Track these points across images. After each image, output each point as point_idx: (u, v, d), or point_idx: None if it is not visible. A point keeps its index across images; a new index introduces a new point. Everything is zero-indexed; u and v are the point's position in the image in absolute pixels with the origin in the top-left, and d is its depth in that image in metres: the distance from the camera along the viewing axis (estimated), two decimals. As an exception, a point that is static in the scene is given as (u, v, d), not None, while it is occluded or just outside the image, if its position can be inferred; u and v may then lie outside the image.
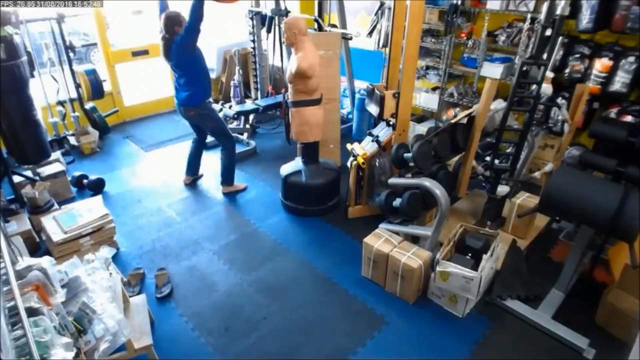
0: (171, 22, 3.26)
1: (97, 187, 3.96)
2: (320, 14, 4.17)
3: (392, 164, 3.06)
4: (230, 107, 4.85)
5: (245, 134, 5.01)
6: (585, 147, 3.64)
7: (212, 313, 2.64)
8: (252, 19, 4.85)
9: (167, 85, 5.90)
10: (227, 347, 2.40)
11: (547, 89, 2.90)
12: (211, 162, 4.41)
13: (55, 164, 3.82)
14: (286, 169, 3.64)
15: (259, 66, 5.16)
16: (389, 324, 2.55)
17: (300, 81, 3.11)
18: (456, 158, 3.22)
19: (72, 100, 4.71)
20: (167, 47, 3.34)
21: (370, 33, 4.77)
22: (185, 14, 3.18)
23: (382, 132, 3.37)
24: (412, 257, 2.60)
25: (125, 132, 5.29)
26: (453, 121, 3.00)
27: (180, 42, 3.25)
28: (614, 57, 3.25)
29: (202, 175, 4.21)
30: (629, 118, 3.31)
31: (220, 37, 5.88)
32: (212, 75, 5.81)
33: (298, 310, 2.65)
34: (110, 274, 2.14)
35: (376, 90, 3.54)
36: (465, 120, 3.04)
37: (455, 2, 3.99)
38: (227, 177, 3.93)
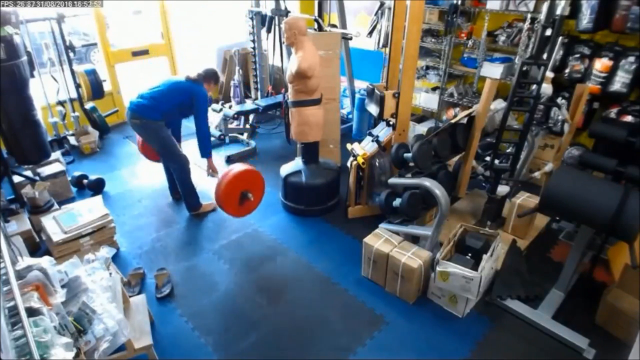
0: (208, 75, 3.31)
1: (97, 187, 3.96)
2: (320, 14, 4.17)
3: (392, 164, 3.06)
4: (230, 107, 4.86)
5: (245, 134, 5.01)
6: (585, 147, 3.64)
7: (212, 313, 2.64)
8: (252, 19, 4.85)
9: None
10: (227, 347, 2.40)
11: (547, 89, 2.90)
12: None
13: (55, 164, 3.82)
14: (286, 169, 3.64)
15: (259, 66, 5.17)
16: (389, 324, 2.55)
17: (300, 81, 3.11)
18: (456, 158, 3.22)
19: (72, 100, 4.71)
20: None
21: (370, 33, 4.78)
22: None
23: (382, 132, 3.37)
24: (412, 257, 2.60)
25: (125, 132, 5.28)
26: (453, 121, 3.00)
27: (189, 103, 3.24)
28: (614, 57, 3.25)
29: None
30: (629, 118, 3.31)
31: (220, 37, 5.87)
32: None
33: (298, 310, 2.65)
34: (110, 274, 2.14)
35: (376, 90, 3.54)
36: (465, 120, 3.04)
37: (455, 2, 3.99)
38: (189, 203, 3.57)
